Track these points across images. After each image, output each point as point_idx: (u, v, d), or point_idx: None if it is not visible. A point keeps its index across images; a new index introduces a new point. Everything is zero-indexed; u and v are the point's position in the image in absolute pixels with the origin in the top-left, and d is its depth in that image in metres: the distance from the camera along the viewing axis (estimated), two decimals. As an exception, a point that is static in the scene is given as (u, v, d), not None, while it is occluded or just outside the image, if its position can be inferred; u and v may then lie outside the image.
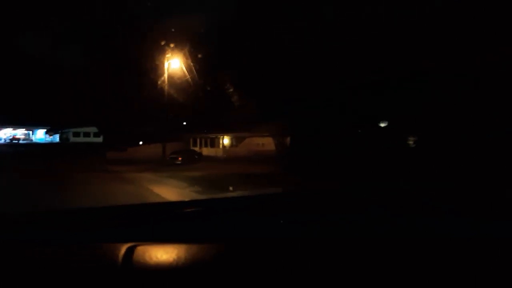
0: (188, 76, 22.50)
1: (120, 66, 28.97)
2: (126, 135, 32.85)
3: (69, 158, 28.20)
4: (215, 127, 28.97)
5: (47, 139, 57.93)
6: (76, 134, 55.22)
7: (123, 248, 1.02)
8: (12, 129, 55.41)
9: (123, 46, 27.67)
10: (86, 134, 54.58)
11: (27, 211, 1.48)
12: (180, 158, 22.20)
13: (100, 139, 49.57)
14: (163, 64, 23.29)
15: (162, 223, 1.48)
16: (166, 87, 23.04)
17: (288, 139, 25.00)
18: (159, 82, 25.38)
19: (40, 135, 58.87)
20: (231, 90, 23.93)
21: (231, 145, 29.98)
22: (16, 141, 51.44)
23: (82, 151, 34.82)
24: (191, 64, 22.45)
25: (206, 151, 30.40)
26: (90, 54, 32.65)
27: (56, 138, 57.42)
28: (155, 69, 24.91)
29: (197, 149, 30.55)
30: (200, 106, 27.93)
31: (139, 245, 1.08)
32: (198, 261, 0.98)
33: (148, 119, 29.56)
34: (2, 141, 52.19)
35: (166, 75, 22.50)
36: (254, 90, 22.89)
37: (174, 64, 22.21)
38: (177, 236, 1.30)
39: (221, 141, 30.34)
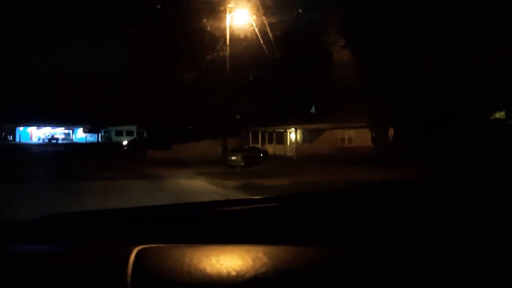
0: (258, 37, 16.12)
1: (163, 43, 23.22)
2: (171, 130, 27.48)
3: (102, 159, 23.44)
4: (283, 117, 22.44)
5: (88, 138, 56.21)
6: (119, 133, 53.20)
7: (135, 250, 1.00)
8: (51, 128, 54.64)
9: (168, 18, 21.87)
10: (129, 133, 52.78)
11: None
12: (249, 158, 16.16)
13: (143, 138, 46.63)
14: (221, 30, 17.16)
15: (179, 224, 1.46)
16: (224, 64, 16.87)
17: (391, 130, 17.95)
18: (210, 58, 19.33)
19: (80, 134, 57.47)
20: (320, 59, 17.07)
21: (304, 140, 23.24)
22: (55, 141, 49.50)
23: (121, 151, 32.13)
24: (261, 22, 16.11)
25: (270, 148, 24.01)
26: (131, 38, 27.76)
27: (96, 137, 56.07)
28: (210, 39, 18.84)
29: (259, 146, 24.20)
30: (264, 91, 21.54)
31: (152, 246, 1.06)
32: (207, 263, 0.96)
33: (198, 109, 23.74)
34: (41, 141, 50.80)
35: (227, 47, 16.27)
36: (345, 61, 16.02)
37: (238, 23, 15.98)
38: (193, 237, 1.27)
39: (289, 136, 23.76)
